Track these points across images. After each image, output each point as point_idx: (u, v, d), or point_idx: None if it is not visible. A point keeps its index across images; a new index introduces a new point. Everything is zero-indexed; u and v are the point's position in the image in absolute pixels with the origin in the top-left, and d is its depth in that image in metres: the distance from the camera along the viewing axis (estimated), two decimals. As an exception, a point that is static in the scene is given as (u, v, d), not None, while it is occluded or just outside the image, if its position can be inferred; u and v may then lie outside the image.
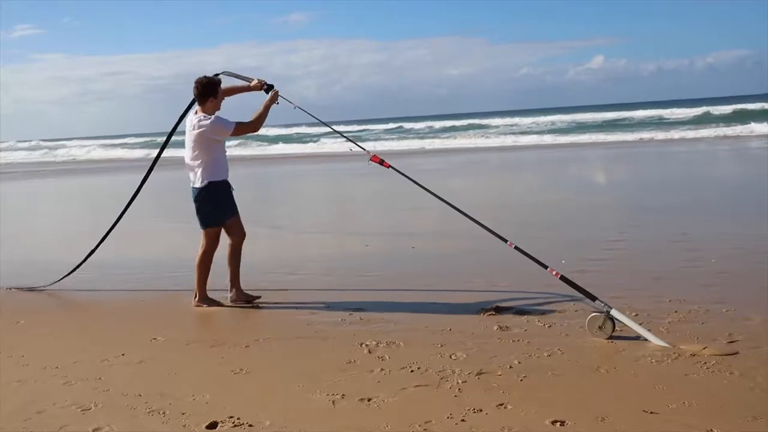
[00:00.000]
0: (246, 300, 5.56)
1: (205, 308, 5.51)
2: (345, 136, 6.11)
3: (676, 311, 4.80)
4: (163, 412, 3.43)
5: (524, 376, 3.71)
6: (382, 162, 5.26)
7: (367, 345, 4.37)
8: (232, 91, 5.72)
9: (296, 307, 5.44)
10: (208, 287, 5.56)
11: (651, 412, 3.17)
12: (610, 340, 4.25)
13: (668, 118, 39.70)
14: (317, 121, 5.99)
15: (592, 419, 3.14)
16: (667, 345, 4.08)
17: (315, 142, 38.90)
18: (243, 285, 5.60)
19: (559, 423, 3.11)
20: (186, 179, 5.59)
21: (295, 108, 5.64)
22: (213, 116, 5.38)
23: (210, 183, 5.42)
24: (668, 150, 23.00)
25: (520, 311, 5.00)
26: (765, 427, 3.00)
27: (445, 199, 5.12)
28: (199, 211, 5.52)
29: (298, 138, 43.83)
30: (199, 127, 5.33)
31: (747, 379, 3.53)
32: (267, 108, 5.53)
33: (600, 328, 4.31)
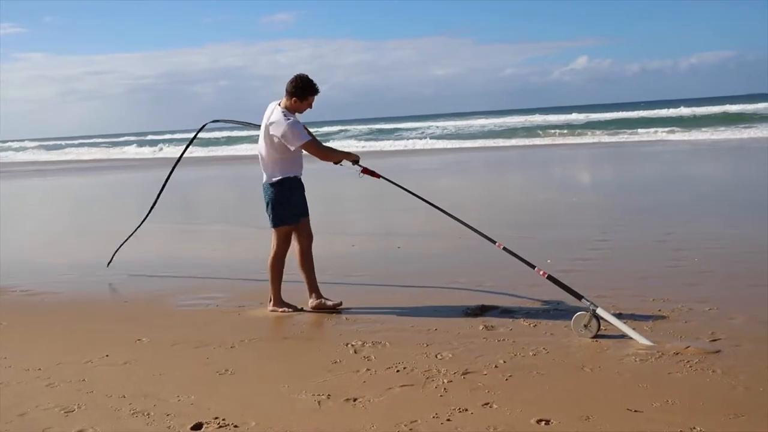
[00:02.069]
0: (328, 307, 5.25)
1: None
2: (340, 152, 5.75)
3: (660, 310, 4.84)
4: (148, 414, 3.41)
5: (509, 376, 3.72)
6: (373, 173, 5.26)
7: (353, 345, 4.37)
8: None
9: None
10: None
11: (635, 411, 3.19)
12: (594, 339, 4.28)
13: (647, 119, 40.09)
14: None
15: (576, 418, 3.15)
16: (651, 343, 4.11)
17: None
18: (230, 283, 5.54)
19: (544, 422, 3.13)
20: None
21: (360, 176, 5.32)
22: (292, 118, 5.02)
23: (283, 179, 5.12)
24: (649, 150, 23.15)
25: (506, 311, 5.02)
26: (747, 425, 3.03)
27: (439, 206, 5.16)
28: (272, 209, 5.20)
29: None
30: (274, 124, 5.01)
31: (729, 378, 3.57)
32: (342, 156, 5.25)
33: (585, 326, 4.34)
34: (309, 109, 5.17)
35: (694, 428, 3.00)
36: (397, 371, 3.85)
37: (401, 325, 4.81)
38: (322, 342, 4.57)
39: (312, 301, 5.29)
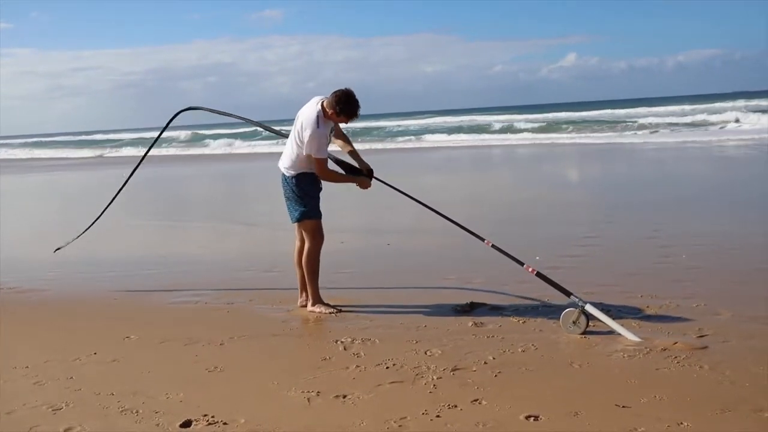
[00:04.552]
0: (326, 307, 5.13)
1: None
2: (348, 177, 5.24)
3: (647, 306, 4.88)
4: (136, 411, 3.40)
5: (499, 372, 3.73)
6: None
7: (342, 342, 4.37)
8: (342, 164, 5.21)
9: (271, 305, 5.41)
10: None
11: (623, 406, 3.22)
12: (583, 336, 4.30)
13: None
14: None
15: (565, 414, 3.17)
16: (639, 340, 4.13)
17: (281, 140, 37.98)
18: (218, 280, 5.52)
19: (533, 418, 3.14)
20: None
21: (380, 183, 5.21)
22: (323, 126, 4.89)
23: (303, 173, 5.02)
24: (634, 149, 23.27)
25: (495, 307, 5.03)
26: (733, 420, 3.06)
27: (432, 206, 5.16)
28: (295, 203, 5.08)
29: (272, 135, 43.07)
30: (307, 123, 4.90)
31: (716, 373, 3.60)
32: (344, 180, 5.12)
33: (574, 323, 4.36)
34: (343, 123, 5.06)
35: (682, 423, 3.02)
36: (387, 368, 3.86)
37: (391, 322, 4.81)
38: (311, 339, 4.57)
39: (301, 301, 5.28)
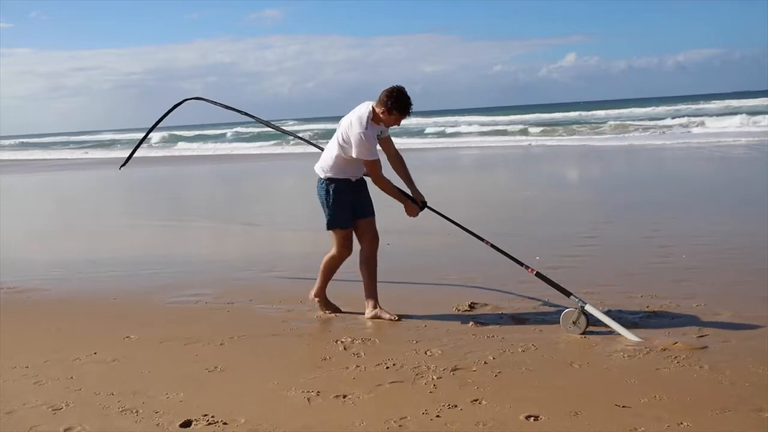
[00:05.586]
0: (385, 317, 4.91)
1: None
2: (401, 194, 5.11)
3: (647, 306, 4.88)
4: (136, 411, 3.40)
5: (499, 372, 3.73)
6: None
7: (342, 342, 4.37)
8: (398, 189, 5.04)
9: (271, 305, 5.41)
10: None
11: (623, 406, 3.22)
12: (583, 336, 4.30)
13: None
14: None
15: (565, 413, 3.17)
16: (639, 340, 4.14)
17: (286, 140, 38.16)
18: (218, 280, 5.50)
19: (533, 418, 3.14)
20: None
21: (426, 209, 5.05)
22: (371, 129, 4.66)
23: (333, 179, 4.85)
24: (632, 149, 23.27)
25: (495, 307, 5.03)
26: (733, 419, 3.06)
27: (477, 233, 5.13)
28: (323, 207, 4.94)
29: (272, 136, 43.27)
30: (353, 124, 4.69)
31: (716, 373, 3.60)
32: (395, 195, 5.00)
33: (574, 323, 4.36)
34: (396, 125, 4.78)
35: (682, 423, 3.02)
36: (387, 368, 3.86)
37: (391, 321, 4.81)
38: (311, 339, 4.57)
39: (368, 312, 5.03)
